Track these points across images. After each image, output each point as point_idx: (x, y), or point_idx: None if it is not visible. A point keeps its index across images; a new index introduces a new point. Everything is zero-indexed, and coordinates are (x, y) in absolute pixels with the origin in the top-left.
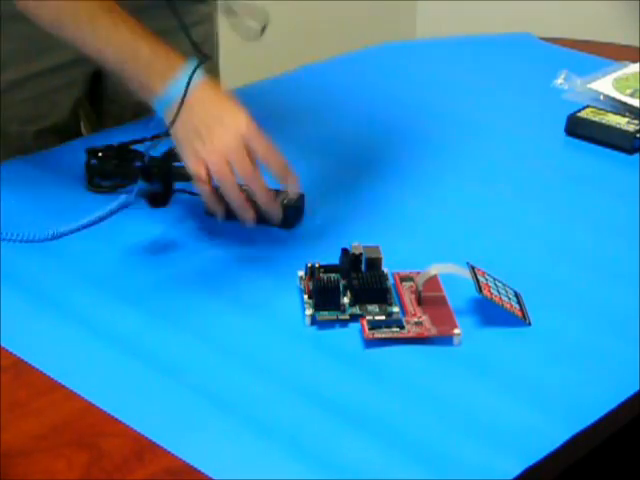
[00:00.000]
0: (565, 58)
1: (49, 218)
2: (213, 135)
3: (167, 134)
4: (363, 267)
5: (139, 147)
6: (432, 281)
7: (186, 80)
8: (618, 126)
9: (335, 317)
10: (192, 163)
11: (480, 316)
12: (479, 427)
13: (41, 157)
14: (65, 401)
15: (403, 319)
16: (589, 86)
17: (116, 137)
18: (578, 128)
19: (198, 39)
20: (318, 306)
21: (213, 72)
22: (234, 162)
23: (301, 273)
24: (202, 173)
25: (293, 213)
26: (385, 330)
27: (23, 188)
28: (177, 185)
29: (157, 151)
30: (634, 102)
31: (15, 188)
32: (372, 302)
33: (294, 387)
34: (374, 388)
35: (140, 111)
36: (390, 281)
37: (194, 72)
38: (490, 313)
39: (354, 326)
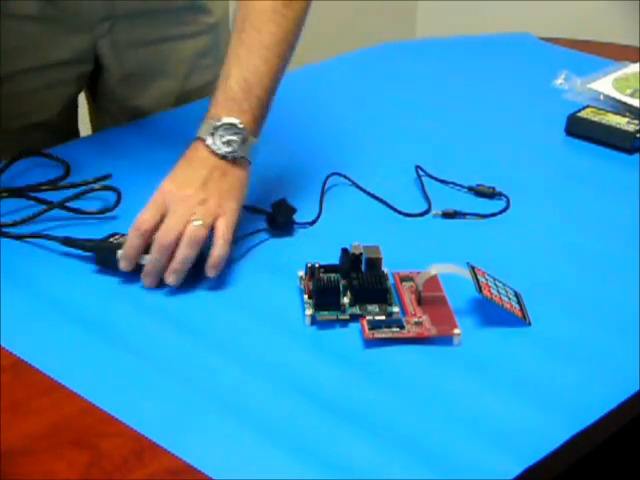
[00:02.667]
0: (565, 58)
1: None
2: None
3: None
4: (363, 267)
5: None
6: (432, 281)
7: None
8: (618, 126)
9: (335, 317)
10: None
11: (480, 316)
12: (479, 427)
13: None
14: (65, 401)
15: (403, 319)
16: (589, 86)
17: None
18: (578, 128)
19: (200, 49)
20: (318, 306)
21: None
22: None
23: (301, 273)
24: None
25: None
26: (385, 330)
27: None
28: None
29: None
30: (634, 102)
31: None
32: (372, 302)
33: (294, 387)
34: (374, 388)
35: (137, 113)
36: (390, 281)
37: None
38: (490, 313)
39: (354, 326)
